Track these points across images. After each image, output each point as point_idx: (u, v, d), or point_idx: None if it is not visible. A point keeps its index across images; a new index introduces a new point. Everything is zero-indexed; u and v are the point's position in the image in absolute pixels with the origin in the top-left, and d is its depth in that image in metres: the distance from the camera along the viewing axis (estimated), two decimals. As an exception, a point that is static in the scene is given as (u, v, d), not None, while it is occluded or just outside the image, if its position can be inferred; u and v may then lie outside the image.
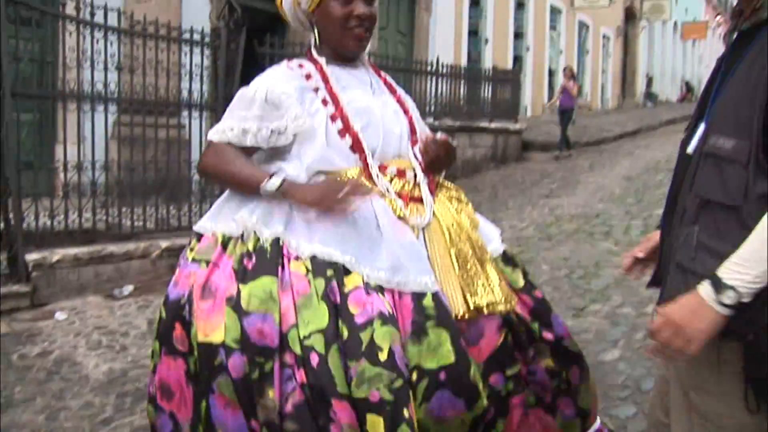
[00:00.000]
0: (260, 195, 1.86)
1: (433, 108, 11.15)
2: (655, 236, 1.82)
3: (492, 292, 1.91)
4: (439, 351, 1.74)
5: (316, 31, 2.08)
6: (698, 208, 1.47)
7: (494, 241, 2.15)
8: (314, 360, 1.66)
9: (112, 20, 5.83)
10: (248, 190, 1.87)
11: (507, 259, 2.14)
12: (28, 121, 5.99)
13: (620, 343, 3.96)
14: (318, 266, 1.77)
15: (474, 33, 17.15)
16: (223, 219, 1.94)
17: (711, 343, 1.45)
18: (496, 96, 12.71)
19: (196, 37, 6.44)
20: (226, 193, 2.04)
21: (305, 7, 2.04)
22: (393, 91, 2.21)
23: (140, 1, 8.49)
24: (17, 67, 5.20)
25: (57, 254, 5.20)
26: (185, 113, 6.57)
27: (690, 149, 1.57)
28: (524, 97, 18.30)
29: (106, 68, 5.75)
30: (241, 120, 1.92)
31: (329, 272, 1.76)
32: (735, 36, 1.57)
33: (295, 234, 1.83)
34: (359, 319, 1.71)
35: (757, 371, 1.41)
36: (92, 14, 5.68)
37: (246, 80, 2.14)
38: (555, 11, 21.01)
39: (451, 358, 1.75)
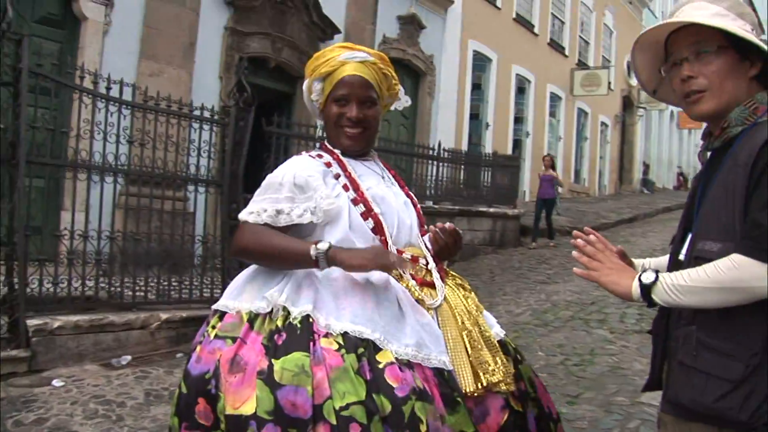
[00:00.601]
0: (295, 272, 1.97)
1: (433, 191, 11.33)
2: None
3: (498, 372, 2.01)
4: (468, 419, 1.86)
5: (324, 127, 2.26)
6: (694, 310, 1.58)
7: (495, 327, 2.25)
8: (354, 429, 1.73)
9: (126, 94, 6.03)
10: (296, 258, 1.95)
11: (503, 345, 2.22)
12: (37, 188, 6.13)
13: (614, 431, 3.98)
14: (349, 342, 1.85)
15: (475, 116, 17.56)
16: (248, 298, 2.01)
17: None
18: (495, 180, 12.94)
19: (207, 114, 6.64)
20: (247, 272, 2.11)
21: (316, 106, 2.23)
22: (402, 185, 2.33)
23: (152, 76, 8.77)
24: (33, 135, 5.35)
25: (58, 321, 5.24)
26: (191, 187, 6.71)
27: (681, 256, 1.69)
28: (523, 182, 18.60)
29: (117, 140, 5.91)
30: (274, 202, 2.03)
31: (360, 349, 1.85)
32: (709, 155, 1.72)
33: (324, 312, 1.91)
34: (400, 393, 1.78)
35: None
36: (108, 88, 5.89)
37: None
38: (555, 98, 21.52)
39: (474, 428, 1.87)
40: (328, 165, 2.13)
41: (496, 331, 2.21)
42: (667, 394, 1.69)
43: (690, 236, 1.70)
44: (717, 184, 1.64)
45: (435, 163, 11.41)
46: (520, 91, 19.80)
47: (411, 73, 14.74)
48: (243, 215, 2.06)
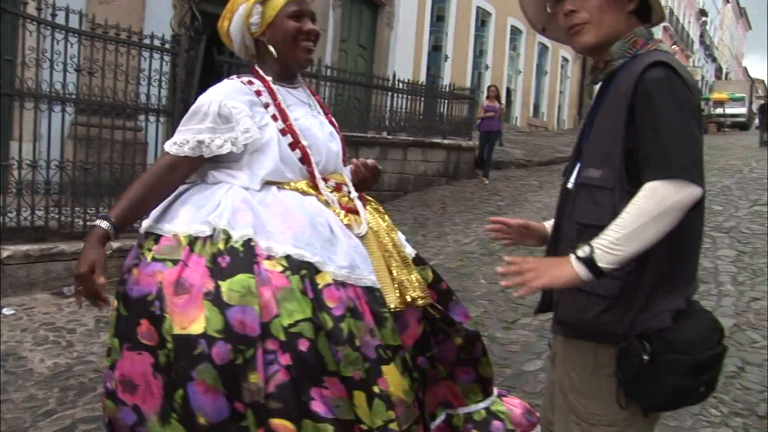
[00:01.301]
0: (230, 196, 2.07)
1: (388, 122, 11.38)
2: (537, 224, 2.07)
3: (416, 288, 2.19)
4: (394, 334, 2.05)
5: (270, 49, 2.24)
6: (577, 233, 1.72)
7: (407, 246, 2.41)
8: (303, 345, 1.89)
9: (74, 22, 5.93)
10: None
11: (418, 259, 2.41)
12: (-16, 117, 6.06)
13: (544, 354, 4.19)
14: (293, 264, 1.98)
15: (436, 48, 17.51)
16: (183, 221, 2.08)
17: (588, 349, 1.72)
18: (452, 113, 13.00)
19: (157, 43, 6.57)
20: (177, 193, 2.18)
21: (255, 28, 2.23)
22: (327, 112, 2.42)
23: (103, 3, 8.58)
24: (-25, 64, 5.27)
25: (7, 250, 5.27)
26: (143, 117, 6.68)
27: (569, 184, 1.81)
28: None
29: (65, 69, 5.84)
30: (196, 133, 2.10)
31: (303, 271, 1.98)
32: (596, 87, 1.84)
33: (264, 236, 2.01)
34: (336, 312, 1.95)
35: (627, 373, 1.65)
36: (53, 15, 5.78)
37: (204, 87, 2.31)
38: (515, 31, 21.49)
39: (399, 341, 2.06)
40: (258, 93, 2.19)
41: (409, 251, 2.38)
42: (555, 315, 1.84)
43: (578, 165, 1.81)
44: (601, 115, 1.75)
45: (390, 94, 11.40)
46: (483, 24, 19.72)
47: (369, 4, 14.59)
48: (167, 145, 2.13)
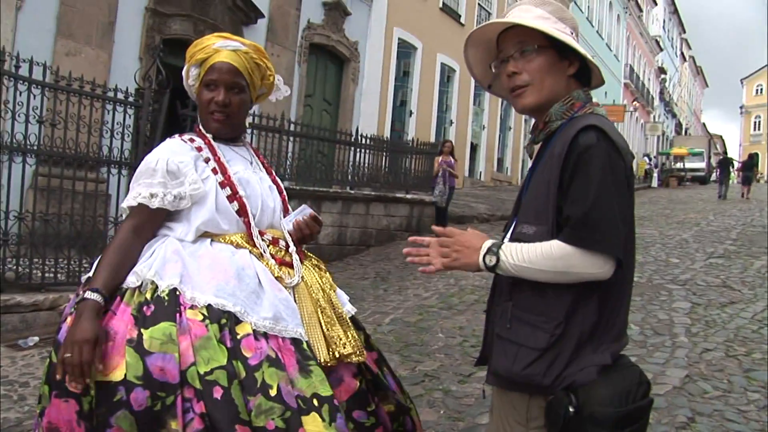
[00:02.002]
0: (162, 247, 2.13)
1: (351, 177, 11.51)
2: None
3: (349, 344, 2.23)
4: (324, 384, 2.05)
5: (197, 111, 2.43)
6: (510, 286, 1.80)
7: (347, 304, 2.46)
8: (218, 392, 1.91)
9: (38, 74, 5.98)
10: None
11: (354, 321, 2.44)
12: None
13: (499, 407, 4.23)
14: (213, 314, 2.03)
15: (402, 103, 17.79)
16: None
17: (521, 401, 1.79)
18: (415, 167, 13.15)
19: (121, 96, 6.63)
20: None
21: (193, 90, 2.38)
22: (269, 171, 2.51)
23: (69, 55, 8.66)
24: (-63, 114, 5.27)
25: (-38, 301, 5.20)
26: (105, 168, 6.70)
27: (506, 239, 1.90)
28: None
29: (27, 120, 5.86)
30: (148, 186, 2.17)
31: (223, 320, 2.03)
32: (536, 147, 1.93)
33: (190, 286, 2.07)
34: (252, 361, 1.98)
35: (555, 425, 1.71)
36: (17, 66, 5.82)
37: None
38: (480, 87, 21.82)
39: (330, 392, 2.06)
40: (199, 149, 2.28)
41: (348, 309, 2.42)
42: (489, 366, 1.90)
43: (514, 221, 1.90)
44: (537, 174, 1.84)
45: (354, 149, 11.55)
46: (448, 79, 20.11)
47: (335, 59, 14.86)
48: (123, 205, 2.20)
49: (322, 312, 2.24)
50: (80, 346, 1.88)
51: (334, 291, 2.41)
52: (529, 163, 1.98)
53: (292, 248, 2.35)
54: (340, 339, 2.21)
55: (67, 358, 1.89)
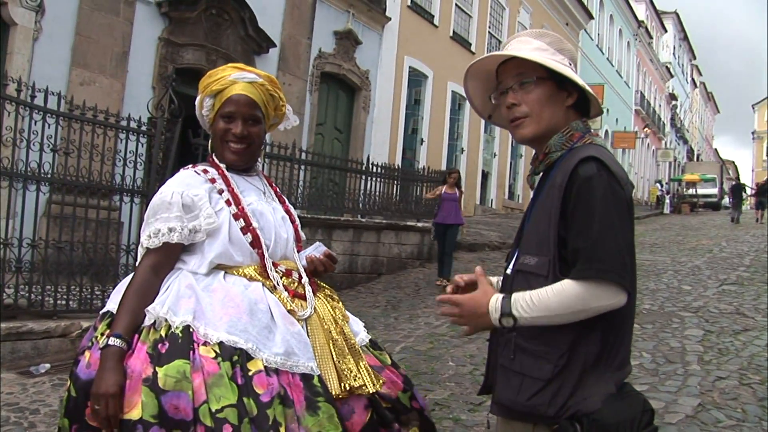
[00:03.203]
0: (176, 282, 2.14)
1: (362, 205, 11.56)
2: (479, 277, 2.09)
3: (360, 377, 2.22)
4: (332, 420, 2.05)
5: (210, 143, 2.42)
6: None
7: (361, 333, 2.46)
8: (227, 430, 1.92)
9: (52, 103, 6.07)
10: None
11: (374, 344, 2.47)
12: (-42, 196, 6.11)
13: (510, 436, 4.20)
14: (225, 351, 2.03)
15: (413, 131, 17.88)
16: None
17: (525, 430, 1.78)
18: (425, 195, 13.16)
19: (134, 125, 6.71)
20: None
21: (207, 120, 2.39)
22: (282, 201, 2.52)
23: (84, 85, 8.78)
24: (-47, 143, 5.35)
25: (-26, 329, 5.23)
26: (118, 197, 6.77)
27: (508, 270, 1.91)
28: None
29: (41, 149, 5.94)
30: (165, 221, 2.18)
31: (235, 357, 2.03)
32: (537, 178, 1.94)
33: (203, 322, 2.08)
34: (264, 398, 1.99)
35: None
36: (32, 96, 5.92)
37: (180, 169, 2.40)
38: (489, 116, 21.93)
39: (340, 428, 2.06)
40: (213, 181, 2.29)
41: (362, 338, 2.42)
42: (493, 396, 1.90)
43: (516, 252, 1.91)
44: (538, 205, 1.86)
45: (365, 177, 11.60)
46: (459, 107, 20.21)
47: (346, 88, 14.97)
48: (144, 241, 2.19)
49: (333, 344, 2.24)
50: (107, 401, 1.92)
51: (347, 321, 2.41)
52: (531, 194, 1.99)
53: (305, 279, 2.36)
54: (351, 371, 2.21)
55: (96, 410, 1.94)
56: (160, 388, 1.95)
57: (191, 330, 2.05)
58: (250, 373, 2.02)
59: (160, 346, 2.03)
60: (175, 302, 2.10)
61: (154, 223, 2.18)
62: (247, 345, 2.05)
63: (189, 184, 2.24)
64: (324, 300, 2.39)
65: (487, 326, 1.81)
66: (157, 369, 1.98)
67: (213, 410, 1.93)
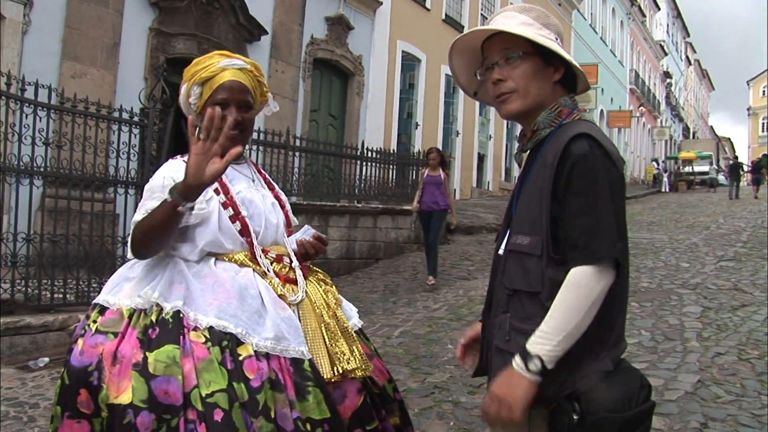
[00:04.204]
0: (167, 269, 2.14)
1: (358, 191, 11.54)
2: (477, 326, 2.10)
3: (354, 360, 2.23)
4: (320, 406, 2.06)
5: (198, 131, 2.35)
6: (508, 298, 1.79)
7: (354, 318, 2.47)
8: (218, 415, 1.93)
9: (43, 96, 6.03)
10: (165, 217, 2.03)
11: (362, 333, 2.47)
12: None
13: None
14: (215, 336, 2.04)
15: (408, 116, 17.83)
16: (126, 294, 2.17)
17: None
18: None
19: (126, 116, 6.68)
20: (124, 268, 2.27)
21: (194, 108, 2.34)
22: (271, 187, 2.50)
23: (75, 77, 8.73)
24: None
25: (-28, 324, 5.23)
26: (112, 189, 6.75)
27: (500, 251, 1.89)
28: (453, 180, 18.97)
29: (33, 142, 5.92)
30: (159, 200, 2.12)
31: (224, 342, 2.04)
32: (525, 155, 1.92)
33: (193, 307, 2.09)
34: (254, 383, 1.99)
35: None
36: (22, 90, 5.88)
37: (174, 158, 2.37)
38: (484, 98, 21.87)
39: (328, 413, 2.06)
40: None
41: (354, 322, 2.43)
42: (489, 378, 1.88)
43: (508, 232, 1.89)
44: (528, 183, 1.82)
45: (360, 162, 11.57)
46: (454, 90, 20.15)
47: (339, 74, 14.91)
48: (134, 220, 2.18)
49: (326, 328, 2.25)
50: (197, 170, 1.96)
51: (340, 305, 2.41)
52: (518, 172, 1.97)
53: (296, 264, 2.36)
54: (344, 354, 2.21)
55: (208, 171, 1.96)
56: (150, 373, 1.96)
57: (181, 315, 2.06)
58: (240, 358, 2.02)
59: (150, 331, 2.04)
60: (167, 288, 2.11)
61: (150, 201, 2.15)
62: (236, 330, 2.05)
63: (179, 171, 2.19)
64: (316, 284, 2.40)
65: (525, 389, 1.66)
66: (147, 354, 1.99)
67: (203, 395, 1.94)
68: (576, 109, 1.86)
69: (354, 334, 2.34)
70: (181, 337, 2.02)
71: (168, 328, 2.03)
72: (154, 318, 2.06)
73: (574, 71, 1.87)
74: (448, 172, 9.86)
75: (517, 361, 1.68)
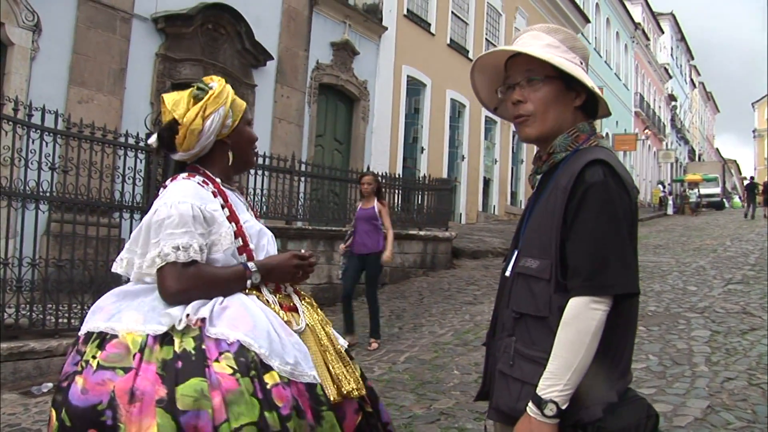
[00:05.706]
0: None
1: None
2: None
3: (351, 381, 2.22)
4: (334, 430, 2.07)
5: (231, 153, 2.30)
6: (514, 321, 1.77)
7: (340, 338, 2.44)
8: None
9: (50, 121, 6.06)
10: (236, 281, 2.14)
11: (348, 353, 2.42)
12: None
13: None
14: (242, 366, 1.97)
15: (414, 140, 17.86)
16: (133, 322, 2.04)
17: None
18: (428, 204, 13.12)
19: (131, 141, 6.70)
20: (115, 293, 2.16)
21: (227, 130, 2.28)
22: (254, 211, 2.50)
23: (82, 103, 8.78)
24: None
25: (-24, 350, 5.21)
26: (117, 214, 6.76)
27: (507, 272, 1.86)
28: (459, 204, 18.98)
29: (39, 167, 5.94)
30: (192, 237, 2.09)
31: (252, 372, 1.98)
32: (539, 177, 1.89)
33: (220, 324, 2.04)
34: (284, 411, 1.97)
35: None
36: (29, 115, 5.91)
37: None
38: (490, 122, 21.95)
39: None
40: (215, 194, 2.22)
41: (342, 343, 2.41)
42: (491, 402, 1.85)
43: (516, 253, 1.86)
44: (540, 206, 1.80)
45: (363, 187, 11.55)
46: (459, 115, 20.20)
47: (344, 99, 14.97)
48: (169, 255, 2.07)
49: (326, 351, 2.24)
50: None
51: (329, 327, 2.40)
52: (530, 194, 1.95)
53: (290, 290, 2.35)
54: (345, 376, 2.21)
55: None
56: (178, 409, 1.88)
57: (203, 348, 1.99)
58: (269, 386, 1.98)
59: (171, 364, 1.96)
60: (194, 307, 2.05)
61: (183, 237, 2.07)
62: (260, 351, 2.01)
63: (203, 198, 2.17)
64: (308, 307, 2.38)
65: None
66: (173, 389, 1.92)
67: (233, 428, 1.89)
68: (593, 135, 1.83)
69: (346, 356, 2.34)
70: (206, 368, 1.96)
71: (192, 361, 1.96)
72: (177, 349, 1.98)
73: (595, 96, 1.85)
74: (384, 202, 7.83)
75: (532, 409, 1.65)
